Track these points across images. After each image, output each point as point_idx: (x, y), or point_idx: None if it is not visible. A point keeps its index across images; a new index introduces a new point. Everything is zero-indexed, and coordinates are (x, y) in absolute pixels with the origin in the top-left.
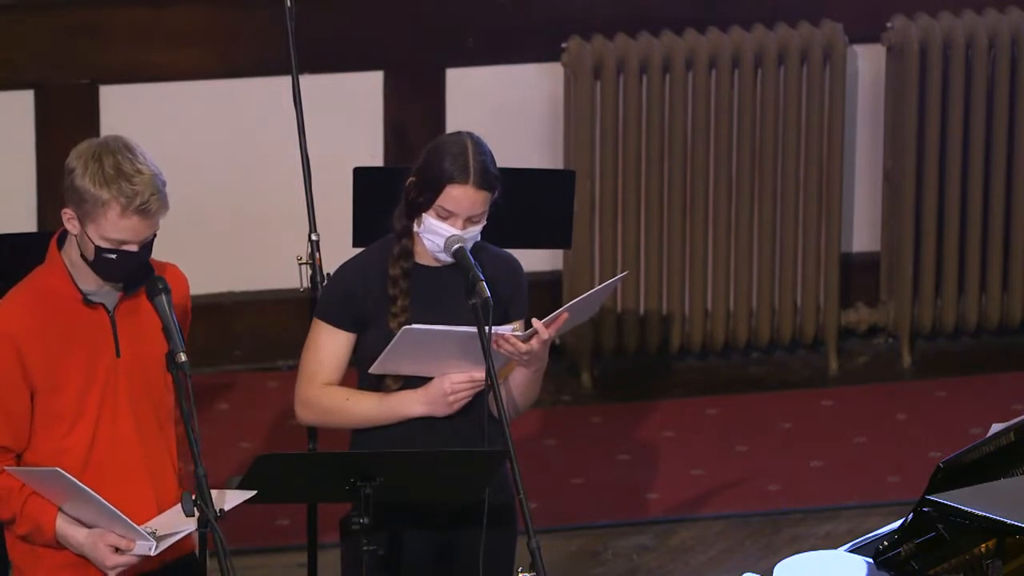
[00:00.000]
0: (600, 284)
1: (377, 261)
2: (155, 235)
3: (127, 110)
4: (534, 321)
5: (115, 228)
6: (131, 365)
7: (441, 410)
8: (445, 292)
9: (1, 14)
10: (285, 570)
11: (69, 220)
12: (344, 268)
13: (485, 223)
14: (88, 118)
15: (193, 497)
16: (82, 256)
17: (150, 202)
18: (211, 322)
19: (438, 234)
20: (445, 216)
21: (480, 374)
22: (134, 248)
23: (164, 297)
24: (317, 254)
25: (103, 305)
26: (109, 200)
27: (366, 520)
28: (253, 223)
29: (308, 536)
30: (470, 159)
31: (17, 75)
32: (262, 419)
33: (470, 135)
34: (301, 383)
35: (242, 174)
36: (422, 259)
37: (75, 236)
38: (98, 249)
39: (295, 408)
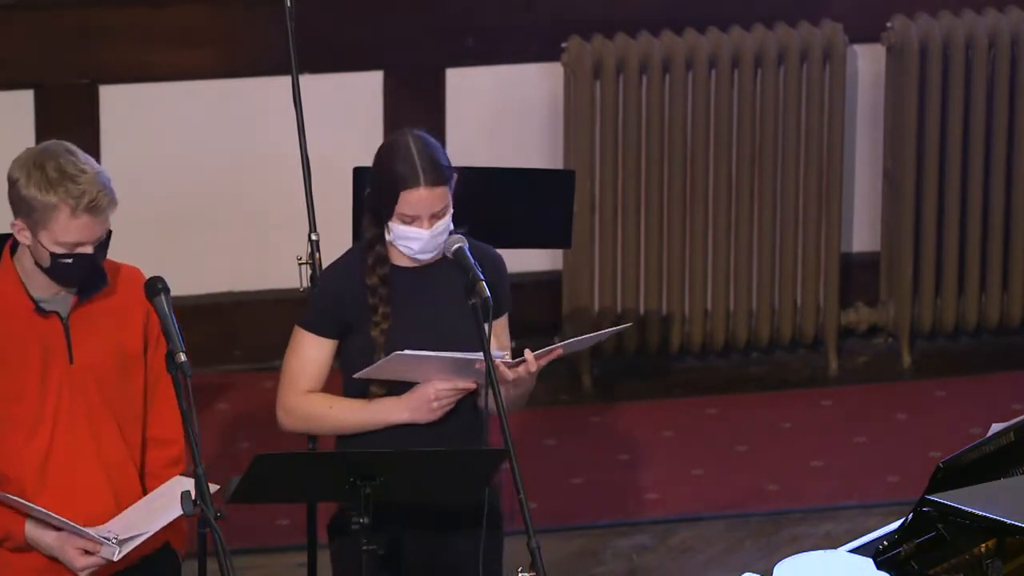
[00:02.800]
0: (599, 331)
1: (359, 265)
2: (109, 234)
3: (127, 110)
4: (526, 352)
5: (67, 231)
6: (85, 371)
7: (424, 416)
8: (425, 290)
9: (1, 14)
10: (285, 570)
11: (20, 232)
12: (327, 275)
13: (452, 211)
14: (88, 118)
15: (193, 497)
16: (36, 264)
17: (98, 199)
18: (211, 322)
19: (410, 238)
20: (409, 221)
21: (464, 383)
22: (89, 249)
23: (163, 297)
24: (317, 254)
25: (56, 313)
26: (58, 203)
27: (366, 520)
28: (253, 223)
29: (308, 536)
30: (416, 160)
31: (17, 75)
32: (262, 419)
33: (411, 132)
34: (283, 389)
35: (242, 174)
36: (398, 260)
37: (28, 246)
38: (53, 256)
39: (277, 413)
